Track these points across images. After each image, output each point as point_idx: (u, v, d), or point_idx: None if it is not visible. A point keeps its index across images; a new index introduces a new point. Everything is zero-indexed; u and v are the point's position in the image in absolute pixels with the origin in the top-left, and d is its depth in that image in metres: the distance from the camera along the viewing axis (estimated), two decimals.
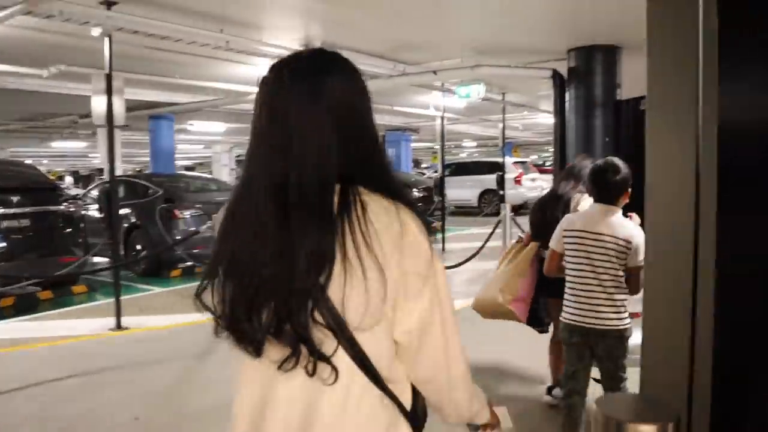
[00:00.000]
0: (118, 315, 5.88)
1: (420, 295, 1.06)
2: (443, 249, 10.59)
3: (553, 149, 8.25)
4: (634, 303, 2.81)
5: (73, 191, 13.95)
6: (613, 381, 2.83)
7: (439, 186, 12.36)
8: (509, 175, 16.45)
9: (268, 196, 1.02)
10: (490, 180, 17.08)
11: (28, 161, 14.90)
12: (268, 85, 1.08)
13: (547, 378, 4.01)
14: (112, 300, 5.99)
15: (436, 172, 19.68)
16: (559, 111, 7.72)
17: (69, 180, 30.50)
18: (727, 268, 1.31)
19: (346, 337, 1.01)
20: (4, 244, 7.09)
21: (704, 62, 1.72)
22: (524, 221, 8.76)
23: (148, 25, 6.09)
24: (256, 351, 1.04)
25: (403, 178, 15.27)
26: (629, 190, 2.82)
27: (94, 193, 10.69)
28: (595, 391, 3.06)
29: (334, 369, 1.02)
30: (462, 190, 17.99)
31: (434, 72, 8.65)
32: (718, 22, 1.30)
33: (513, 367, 4.58)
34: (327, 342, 1.01)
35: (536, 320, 3.87)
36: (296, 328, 1.00)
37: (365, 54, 7.87)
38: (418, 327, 1.07)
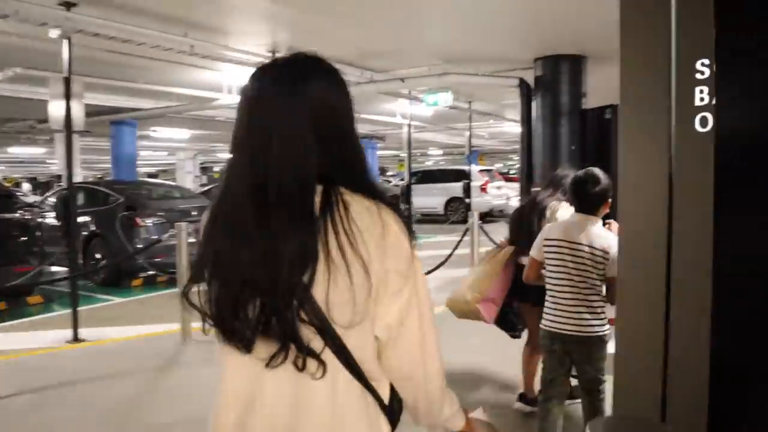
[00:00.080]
0: (75, 327, 5.68)
1: (400, 293, 1.09)
2: None
3: (519, 157, 8.31)
4: (612, 309, 2.82)
5: (31, 198, 13.62)
6: (593, 383, 2.85)
7: (406, 194, 12.39)
8: (475, 183, 16.63)
9: (248, 197, 1.04)
10: (456, 188, 17.26)
11: None
12: (248, 91, 1.11)
13: (518, 385, 3.98)
14: (69, 311, 5.79)
15: (402, 180, 19.75)
16: (526, 119, 7.79)
17: (27, 187, 29.89)
18: (725, 268, 1.29)
19: (330, 335, 1.03)
20: None
21: (677, 66, 1.72)
22: (491, 229, 8.90)
23: (110, 28, 5.92)
24: (246, 348, 1.06)
25: None
26: (609, 200, 2.86)
27: (52, 200, 10.42)
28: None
29: (322, 363, 1.03)
30: (428, 198, 18.05)
31: (402, 80, 8.67)
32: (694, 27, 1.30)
33: (486, 373, 4.55)
34: (315, 339, 1.03)
35: (507, 324, 3.88)
36: (283, 326, 1.02)
37: (333, 61, 7.79)
38: (396, 322, 1.09)
